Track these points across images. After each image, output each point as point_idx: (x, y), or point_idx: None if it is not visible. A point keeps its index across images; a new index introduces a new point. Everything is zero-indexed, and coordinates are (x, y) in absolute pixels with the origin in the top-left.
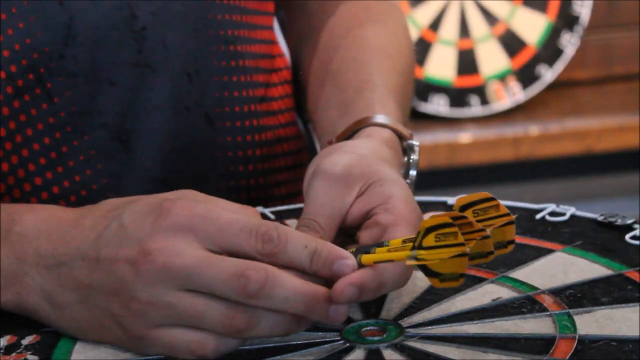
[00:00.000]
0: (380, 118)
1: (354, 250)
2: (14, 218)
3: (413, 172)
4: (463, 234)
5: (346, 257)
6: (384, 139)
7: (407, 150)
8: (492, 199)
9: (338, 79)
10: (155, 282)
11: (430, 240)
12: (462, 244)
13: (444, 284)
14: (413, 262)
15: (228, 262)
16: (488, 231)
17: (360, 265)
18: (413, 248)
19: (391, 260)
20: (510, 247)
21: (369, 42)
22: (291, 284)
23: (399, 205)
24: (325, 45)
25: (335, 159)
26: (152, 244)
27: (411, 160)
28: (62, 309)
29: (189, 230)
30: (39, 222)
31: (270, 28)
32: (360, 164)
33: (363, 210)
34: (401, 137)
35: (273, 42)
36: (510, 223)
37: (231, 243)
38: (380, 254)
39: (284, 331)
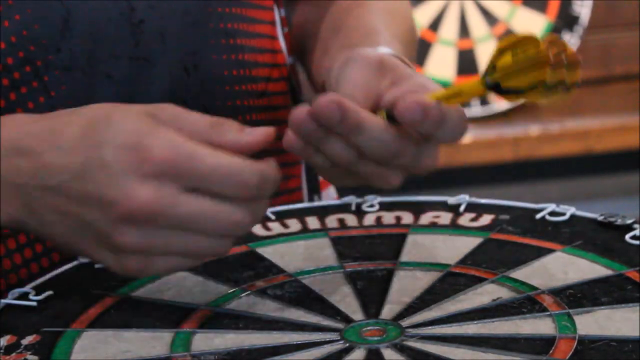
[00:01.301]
0: (386, 50)
1: (384, 112)
2: None
3: None
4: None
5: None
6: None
7: None
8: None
9: (344, 31)
10: (140, 226)
11: (506, 59)
12: (544, 52)
13: (521, 97)
14: (484, 82)
15: (221, 208)
16: (563, 57)
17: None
18: (485, 74)
19: (459, 94)
20: (573, 90)
21: (375, 5)
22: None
23: (437, 89)
24: (335, 12)
25: (367, 51)
26: (138, 192)
27: None
28: (45, 225)
29: (172, 177)
30: (13, 138)
31: (271, 23)
32: (391, 60)
33: (397, 95)
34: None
35: (273, 37)
36: (576, 64)
37: (212, 187)
38: (445, 90)
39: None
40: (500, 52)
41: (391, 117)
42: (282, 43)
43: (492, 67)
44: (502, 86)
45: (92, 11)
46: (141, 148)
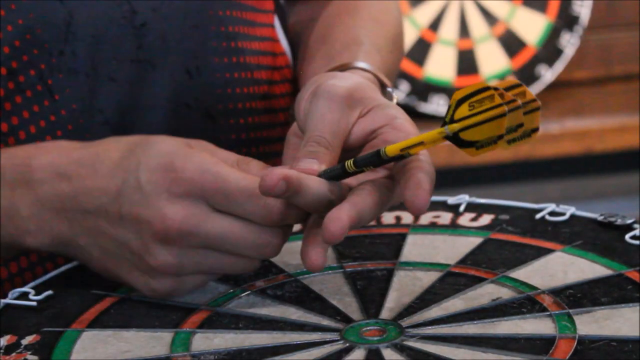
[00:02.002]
0: (362, 65)
1: (351, 161)
2: (29, 163)
3: None
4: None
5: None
6: (367, 78)
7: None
8: (495, 88)
9: (327, 38)
10: (172, 245)
11: (463, 111)
12: (500, 105)
13: (481, 151)
14: (443, 134)
15: (250, 228)
16: (520, 102)
17: (386, 158)
18: (444, 124)
19: (421, 143)
20: (534, 136)
21: (361, 11)
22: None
23: (405, 124)
24: (323, 21)
25: (336, 82)
26: (169, 211)
27: None
28: (83, 249)
29: (200, 197)
30: (56, 164)
31: (271, 26)
32: (360, 89)
33: (366, 130)
34: (382, 85)
35: (274, 39)
36: (536, 110)
37: (239, 208)
38: (407, 140)
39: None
40: (458, 103)
41: (360, 163)
42: (284, 45)
43: (450, 117)
44: (463, 138)
45: (94, 14)
46: (172, 169)
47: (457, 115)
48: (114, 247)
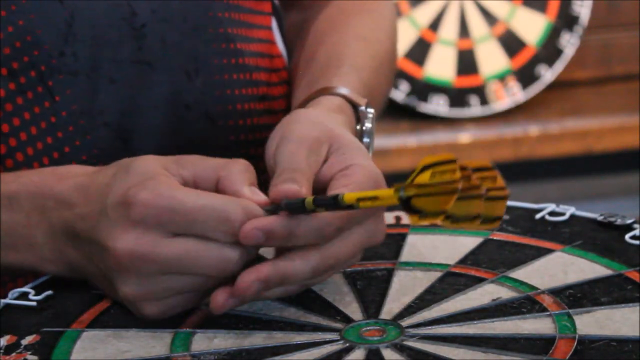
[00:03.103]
0: (338, 89)
1: (311, 199)
2: (42, 191)
3: (366, 140)
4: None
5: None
6: (333, 106)
7: (360, 118)
8: (463, 167)
9: (310, 62)
10: (131, 274)
11: (425, 177)
12: (455, 181)
13: (423, 221)
14: (397, 194)
15: (210, 248)
16: (483, 190)
17: (342, 204)
18: (400, 188)
19: (375, 198)
20: (497, 224)
21: (348, 29)
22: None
23: (356, 173)
24: (312, 38)
25: (300, 127)
26: (121, 240)
27: (364, 128)
28: (87, 273)
29: (155, 223)
30: (63, 191)
31: (268, 28)
32: (324, 131)
33: (327, 176)
34: (355, 106)
35: (271, 41)
36: (502, 198)
37: (198, 229)
38: (363, 192)
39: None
40: (423, 169)
41: (318, 202)
42: (280, 47)
43: (411, 181)
44: (412, 203)
45: (94, 15)
46: (128, 197)
47: (417, 180)
48: (100, 275)
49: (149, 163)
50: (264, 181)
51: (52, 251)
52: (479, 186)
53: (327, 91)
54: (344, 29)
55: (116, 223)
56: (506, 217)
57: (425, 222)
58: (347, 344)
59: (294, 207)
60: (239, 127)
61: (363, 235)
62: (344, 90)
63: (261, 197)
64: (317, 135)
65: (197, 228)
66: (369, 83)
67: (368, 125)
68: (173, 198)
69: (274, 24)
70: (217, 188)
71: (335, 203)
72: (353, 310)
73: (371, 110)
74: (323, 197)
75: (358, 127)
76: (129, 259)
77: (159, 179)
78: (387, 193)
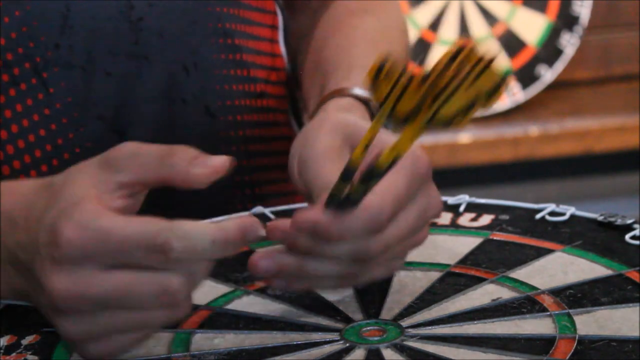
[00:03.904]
0: (341, 90)
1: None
2: None
3: None
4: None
5: (252, 224)
6: (342, 107)
7: (374, 113)
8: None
9: (320, 65)
10: (67, 314)
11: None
12: (401, 74)
13: (439, 124)
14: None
15: (145, 279)
16: (463, 75)
17: (378, 169)
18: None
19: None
20: (499, 95)
21: (356, 29)
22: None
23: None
24: (317, 42)
25: (317, 143)
26: (52, 281)
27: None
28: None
29: (85, 258)
30: (15, 209)
31: (271, 27)
32: (338, 132)
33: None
34: (366, 102)
35: (274, 40)
36: (487, 67)
37: (133, 258)
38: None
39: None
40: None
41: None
42: (282, 48)
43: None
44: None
45: (91, 8)
46: (53, 233)
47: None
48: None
49: (79, 185)
50: (264, 181)
51: (3, 276)
52: (455, 75)
53: (336, 94)
54: (350, 30)
55: (45, 262)
56: (506, 217)
57: (441, 124)
58: (347, 344)
59: (338, 202)
60: (236, 123)
61: (416, 213)
62: (353, 91)
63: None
64: (333, 142)
65: (129, 258)
66: None
67: None
68: (99, 229)
69: (280, 23)
70: (165, 179)
71: (372, 172)
72: (353, 310)
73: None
74: (360, 179)
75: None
76: (62, 300)
77: (84, 206)
78: (402, 138)
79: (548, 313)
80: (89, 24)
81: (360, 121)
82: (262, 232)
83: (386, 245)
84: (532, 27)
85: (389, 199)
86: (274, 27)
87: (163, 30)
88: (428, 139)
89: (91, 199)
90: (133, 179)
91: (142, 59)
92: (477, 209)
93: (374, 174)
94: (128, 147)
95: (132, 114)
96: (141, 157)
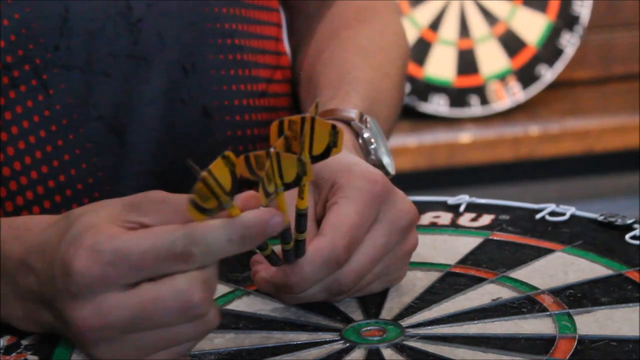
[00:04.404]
0: (325, 109)
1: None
2: (5, 253)
3: (372, 147)
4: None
5: (271, 215)
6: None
7: (357, 131)
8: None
9: (313, 79)
10: (98, 343)
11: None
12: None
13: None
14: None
15: (166, 294)
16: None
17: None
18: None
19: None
20: (335, 152)
21: (349, 42)
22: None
23: (341, 188)
24: (313, 49)
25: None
26: (76, 316)
27: (365, 138)
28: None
29: (105, 284)
30: (20, 255)
31: (275, 25)
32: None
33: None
34: (347, 123)
35: (278, 38)
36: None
37: (154, 272)
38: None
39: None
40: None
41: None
42: (286, 45)
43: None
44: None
45: (90, 10)
46: (65, 263)
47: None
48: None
49: (95, 215)
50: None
51: (24, 311)
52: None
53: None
54: (343, 42)
55: (64, 295)
56: (506, 217)
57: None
58: (347, 344)
59: (286, 253)
60: (236, 123)
61: (385, 229)
62: (336, 113)
63: None
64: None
65: (150, 272)
66: (369, 95)
67: (366, 135)
68: (114, 250)
69: (284, 21)
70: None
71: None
72: (353, 310)
73: (369, 119)
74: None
75: (360, 140)
76: (88, 331)
77: (96, 230)
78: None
79: (548, 313)
80: (87, 25)
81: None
82: (282, 223)
83: (358, 273)
84: (532, 27)
85: (342, 232)
86: (279, 25)
87: (162, 31)
88: (428, 138)
89: (103, 224)
90: (157, 224)
91: (141, 60)
92: (477, 209)
93: (300, 214)
94: (156, 195)
95: (131, 114)
96: (169, 206)
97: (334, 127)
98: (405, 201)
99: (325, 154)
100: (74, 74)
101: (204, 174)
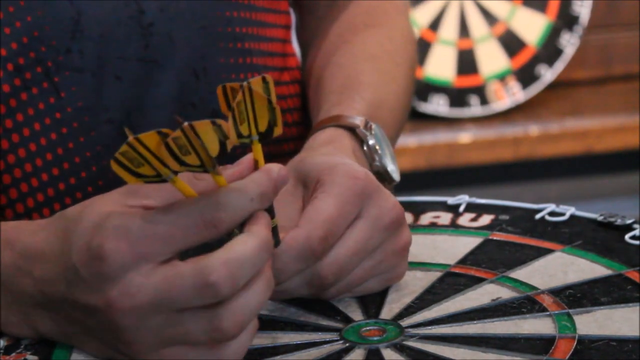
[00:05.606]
0: (325, 120)
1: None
2: None
3: (377, 153)
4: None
5: (274, 170)
6: (320, 141)
7: (361, 137)
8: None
9: (320, 86)
10: (132, 320)
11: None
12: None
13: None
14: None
15: (185, 271)
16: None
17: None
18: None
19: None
20: (277, 131)
21: (356, 47)
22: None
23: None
24: (322, 53)
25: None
26: (110, 292)
27: (369, 145)
28: (72, 338)
29: (139, 260)
30: (12, 260)
31: (285, 27)
32: (296, 177)
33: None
34: (351, 129)
35: (286, 40)
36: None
37: (185, 243)
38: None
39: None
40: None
41: None
42: (295, 46)
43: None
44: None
45: (102, 13)
46: (94, 251)
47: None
48: (87, 331)
49: (103, 203)
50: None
51: (18, 317)
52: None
53: (325, 122)
54: (350, 47)
55: (93, 280)
56: (506, 217)
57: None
58: (347, 344)
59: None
60: None
61: (367, 224)
62: (340, 120)
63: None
64: (286, 186)
65: (182, 244)
66: (375, 101)
67: (371, 142)
68: (142, 227)
69: (293, 23)
70: None
71: None
72: (353, 310)
73: (374, 126)
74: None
75: (365, 147)
76: (120, 314)
77: (115, 213)
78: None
79: (548, 313)
80: (99, 28)
81: (318, 158)
82: (286, 175)
83: (339, 266)
84: (532, 27)
85: (317, 223)
86: (287, 27)
87: (173, 35)
88: (428, 138)
89: (117, 207)
90: (161, 204)
91: (152, 64)
92: (477, 209)
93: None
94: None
95: (142, 118)
96: (166, 186)
97: (264, 78)
98: (390, 199)
99: (269, 132)
100: (86, 76)
101: (131, 139)
